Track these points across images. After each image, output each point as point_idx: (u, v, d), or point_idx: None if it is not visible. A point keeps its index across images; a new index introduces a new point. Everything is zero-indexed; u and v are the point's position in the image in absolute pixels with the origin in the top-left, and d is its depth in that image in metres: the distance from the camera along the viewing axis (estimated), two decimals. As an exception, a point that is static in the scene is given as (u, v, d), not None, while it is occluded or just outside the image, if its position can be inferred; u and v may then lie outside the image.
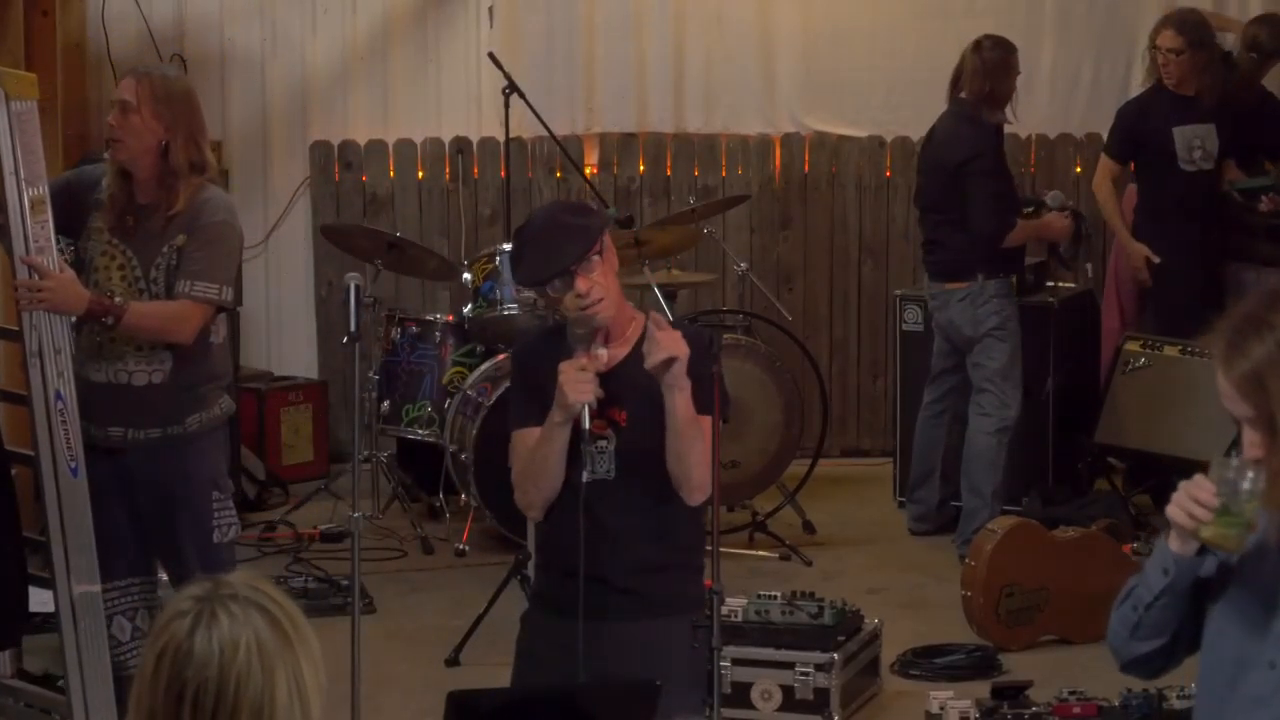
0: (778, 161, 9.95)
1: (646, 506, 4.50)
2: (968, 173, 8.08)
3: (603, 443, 4.45)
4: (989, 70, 8.08)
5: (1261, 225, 8.93)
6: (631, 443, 4.47)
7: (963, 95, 8.16)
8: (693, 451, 4.41)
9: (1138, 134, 8.67)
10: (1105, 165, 8.80)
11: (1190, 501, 3.13)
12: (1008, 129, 8.37)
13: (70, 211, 5.48)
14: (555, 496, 4.51)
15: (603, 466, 4.46)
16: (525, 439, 4.54)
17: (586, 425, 4.39)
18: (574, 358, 4.42)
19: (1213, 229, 8.72)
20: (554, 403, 4.40)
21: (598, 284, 4.45)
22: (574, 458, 4.45)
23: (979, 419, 8.11)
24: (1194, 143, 8.60)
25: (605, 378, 4.45)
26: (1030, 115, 9.54)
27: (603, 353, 4.45)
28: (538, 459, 4.47)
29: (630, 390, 4.47)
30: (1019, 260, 8.30)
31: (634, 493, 4.48)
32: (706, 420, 4.43)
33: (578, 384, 4.36)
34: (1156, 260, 8.57)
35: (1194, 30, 8.60)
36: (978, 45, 8.18)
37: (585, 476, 4.42)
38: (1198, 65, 8.55)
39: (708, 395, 4.44)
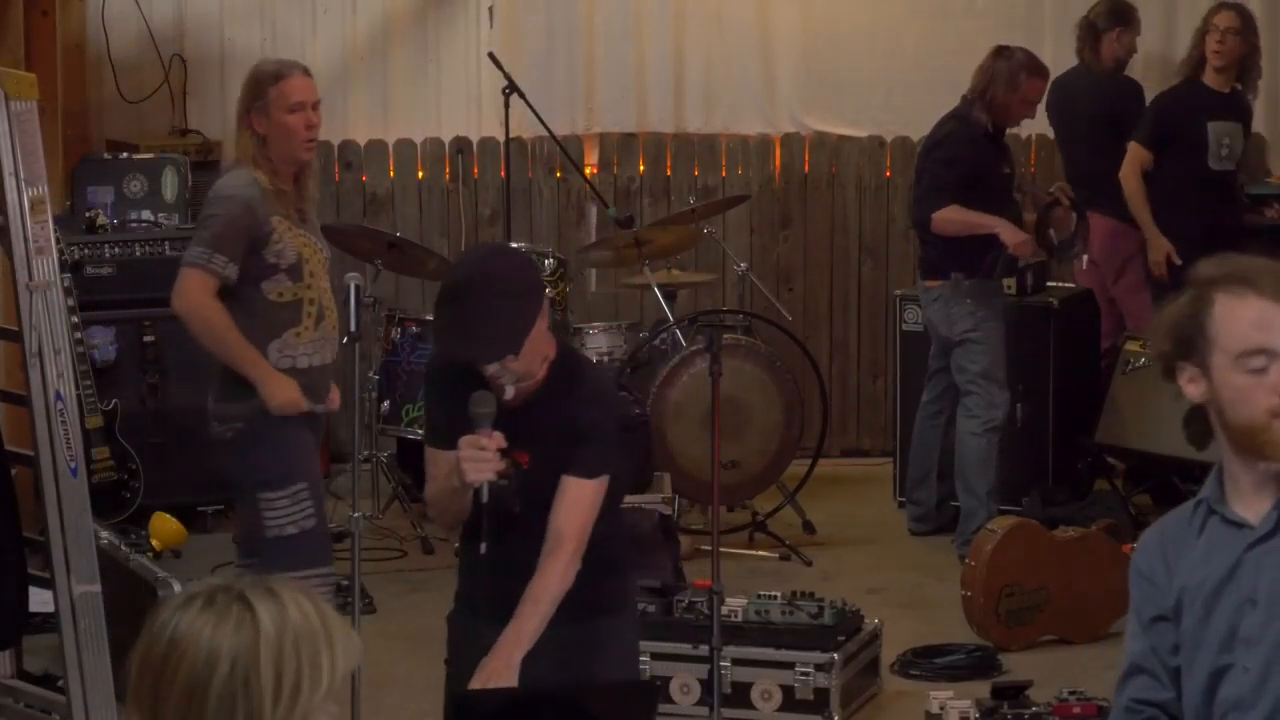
0: (778, 161, 9.95)
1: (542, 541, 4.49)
2: (926, 162, 8.11)
3: (503, 482, 4.38)
4: (993, 75, 8.03)
5: (1269, 230, 8.97)
6: (534, 483, 4.44)
7: (971, 89, 8.13)
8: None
9: (1173, 125, 8.72)
10: (1137, 154, 8.76)
11: None
12: (1007, 133, 8.34)
13: (252, 230, 5.92)
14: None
15: (507, 504, 4.41)
16: (437, 459, 4.53)
17: (484, 499, 4.34)
18: (474, 433, 4.32)
19: (1227, 229, 8.75)
20: (453, 469, 4.35)
21: (510, 370, 4.37)
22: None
23: (966, 420, 8.10)
24: (1224, 140, 8.68)
25: (511, 415, 4.39)
26: (1030, 115, 9.56)
27: (499, 435, 4.33)
28: (444, 502, 4.51)
29: (535, 430, 4.43)
30: (1003, 261, 8.14)
31: (536, 523, 4.44)
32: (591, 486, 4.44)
33: (476, 464, 4.30)
34: (1179, 262, 8.54)
35: (1249, 18, 8.85)
36: (999, 51, 8.11)
37: (485, 524, 4.37)
38: (1247, 50, 8.74)
39: (596, 455, 4.44)
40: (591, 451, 4.44)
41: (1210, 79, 8.77)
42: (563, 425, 4.42)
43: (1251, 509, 3.28)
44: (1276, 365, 3.21)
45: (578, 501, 4.43)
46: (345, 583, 6.74)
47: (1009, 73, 8.00)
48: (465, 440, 4.33)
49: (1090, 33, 9.10)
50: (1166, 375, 3.33)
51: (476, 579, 4.56)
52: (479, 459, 4.30)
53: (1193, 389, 3.28)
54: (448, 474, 4.41)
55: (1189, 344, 3.27)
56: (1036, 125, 9.63)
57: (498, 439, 4.32)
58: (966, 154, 8.02)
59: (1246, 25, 8.81)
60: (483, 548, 4.36)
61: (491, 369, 4.37)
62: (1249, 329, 3.21)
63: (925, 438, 8.48)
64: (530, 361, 4.40)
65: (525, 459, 4.42)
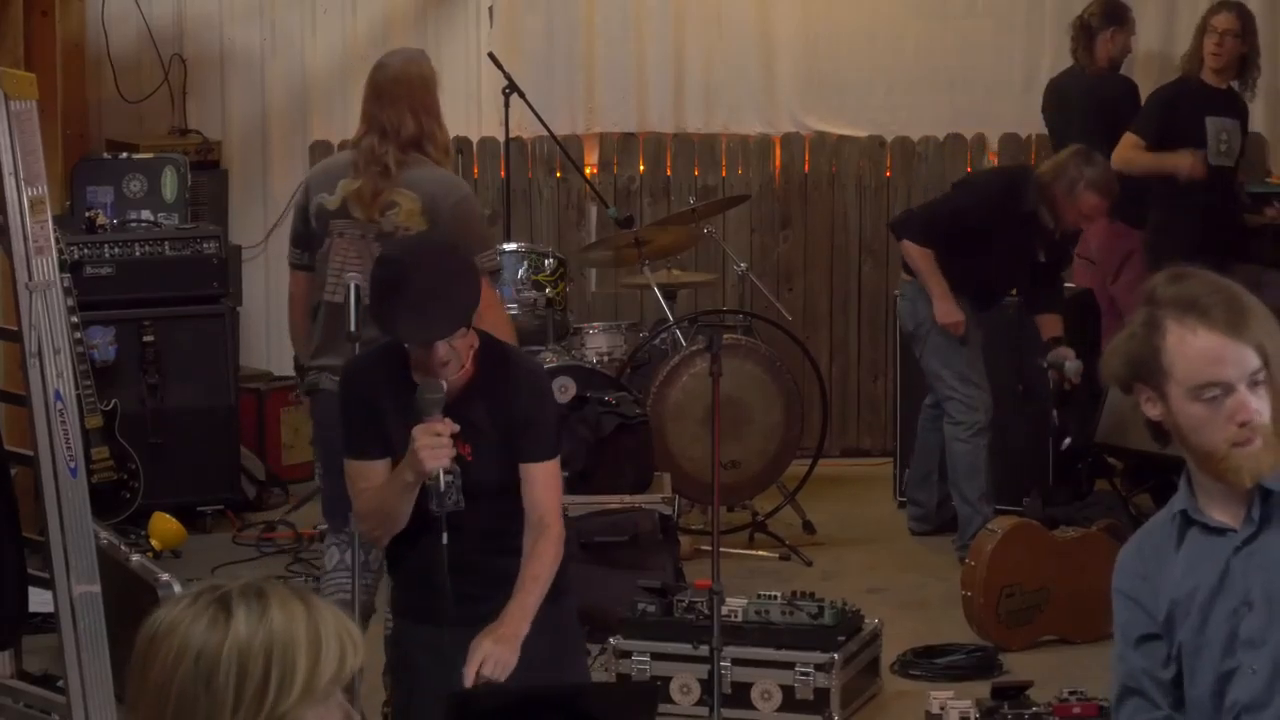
0: (778, 161, 9.94)
1: (496, 525, 4.54)
2: (952, 189, 8.08)
3: (449, 478, 4.41)
4: (1061, 172, 7.84)
5: (1269, 228, 8.98)
6: (478, 475, 4.47)
7: (1040, 170, 7.99)
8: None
9: (1172, 120, 8.73)
10: (1132, 141, 8.76)
11: None
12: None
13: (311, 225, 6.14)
14: None
15: (451, 499, 4.43)
16: (365, 472, 4.54)
17: (441, 487, 4.37)
18: (425, 421, 4.36)
19: (1225, 226, 8.78)
20: (405, 464, 4.37)
21: (456, 352, 4.42)
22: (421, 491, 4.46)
23: (950, 428, 8.07)
24: (1221, 135, 8.70)
25: (447, 409, 4.42)
26: (1030, 115, 9.55)
27: (450, 421, 4.38)
28: (388, 507, 4.49)
29: (472, 420, 4.46)
30: (970, 285, 8.05)
31: (482, 516, 4.49)
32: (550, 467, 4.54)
33: (434, 450, 4.33)
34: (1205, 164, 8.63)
35: (1249, 19, 8.86)
36: (1079, 153, 7.91)
37: (435, 511, 4.40)
38: (1246, 51, 8.77)
39: (548, 435, 4.56)
40: (543, 434, 4.56)
41: (1208, 77, 8.79)
42: (503, 414, 4.49)
43: (1229, 513, 3.28)
44: (1232, 396, 3.20)
45: (548, 483, 4.54)
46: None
47: (1071, 180, 7.82)
48: (420, 429, 4.35)
49: (1084, 33, 9.10)
50: (1125, 391, 3.33)
51: (426, 582, 4.53)
52: (436, 445, 4.33)
53: (1151, 409, 3.29)
54: (388, 480, 4.45)
55: (1144, 369, 3.27)
56: (1037, 125, 9.64)
57: (450, 424, 4.36)
58: (984, 220, 7.94)
59: (1246, 27, 8.82)
60: (444, 538, 4.39)
61: (441, 351, 4.38)
62: (1201, 364, 3.21)
63: (926, 438, 8.47)
64: (467, 347, 4.46)
65: (468, 450, 4.45)
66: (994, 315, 8.26)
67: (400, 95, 5.99)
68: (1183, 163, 8.61)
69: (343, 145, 9.68)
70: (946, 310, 7.93)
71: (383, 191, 5.93)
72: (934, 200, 8.28)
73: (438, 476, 4.37)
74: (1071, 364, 7.98)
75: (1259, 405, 3.21)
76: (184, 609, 2.45)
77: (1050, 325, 8.13)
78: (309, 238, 6.19)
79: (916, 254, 7.94)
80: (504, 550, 4.55)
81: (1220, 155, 8.78)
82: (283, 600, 2.46)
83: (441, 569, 4.41)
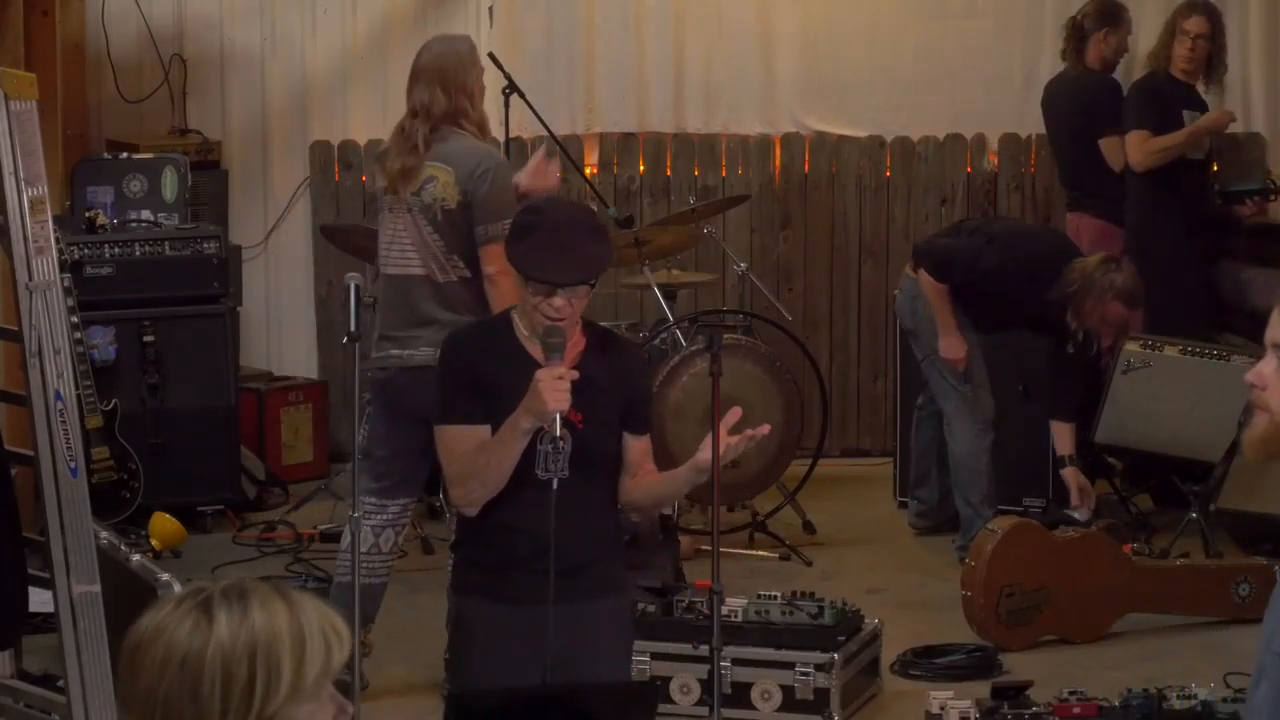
0: (778, 161, 9.95)
1: (592, 505, 4.58)
2: (977, 247, 7.96)
3: (560, 443, 4.46)
4: (1089, 281, 7.70)
5: (1245, 225, 8.99)
6: (586, 444, 4.51)
7: (1069, 274, 7.79)
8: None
9: (1159, 110, 8.76)
10: (1142, 137, 8.76)
11: None
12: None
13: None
14: None
15: (556, 465, 4.47)
16: (463, 436, 4.55)
17: (557, 432, 4.41)
18: (548, 365, 4.42)
19: (1205, 221, 8.82)
20: (523, 408, 4.40)
21: (574, 309, 4.53)
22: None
23: (952, 430, 8.06)
24: None
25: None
26: (1030, 115, 9.55)
27: (571, 370, 4.46)
28: (494, 461, 4.49)
29: (583, 392, 4.49)
30: (973, 299, 8.00)
31: (582, 491, 4.52)
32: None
33: (557, 392, 4.37)
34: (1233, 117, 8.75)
35: (1218, 19, 8.92)
36: (1108, 260, 7.80)
37: (542, 476, 4.45)
38: (1214, 51, 8.82)
39: (651, 410, 4.79)
40: (649, 408, 4.85)
41: (1177, 74, 8.84)
42: (617, 388, 4.57)
43: None
44: None
45: (649, 453, 4.70)
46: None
47: (1100, 291, 7.70)
48: (543, 371, 4.40)
49: (1077, 33, 9.10)
50: None
51: (510, 555, 4.54)
52: (558, 387, 4.37)
53: None
54: (500, 431, 4.45)
55: None
56: (1036, 126, 9.64)
57: (571, 371, 4.43)
58: (1001, 289, 7.87)
59: (1215, 28, 8.88)
60: (554, 483, 4.42)
61: (559, 302, 4.45)
62: None
63: (923, 436, 8.46)
64: (580, 312, 4.58)
65: (579, 419, 4.48)
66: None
67: (432, 75, 6.48)
68: (1212, 120, 8.66)
69: (343, 145, 9.74)
70: (951, 345, 7.94)
71: (413, 168, 6.42)
72: (961, 242, 8.07)
73: (555, 421, 4.39)
74: (1083, 515, 7.78)
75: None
76: (168, 614, 2.46)
77: (1061, 437, 7.96)
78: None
79: (930, 287, 7.94)
80: (592, 533, 4.58)
81: (1195, 149, 8.82)
82: (264, 599, 2.47)
83: (545, 534, 4.41)
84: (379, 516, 6.57)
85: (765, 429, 4.58)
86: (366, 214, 9.65)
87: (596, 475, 4.56)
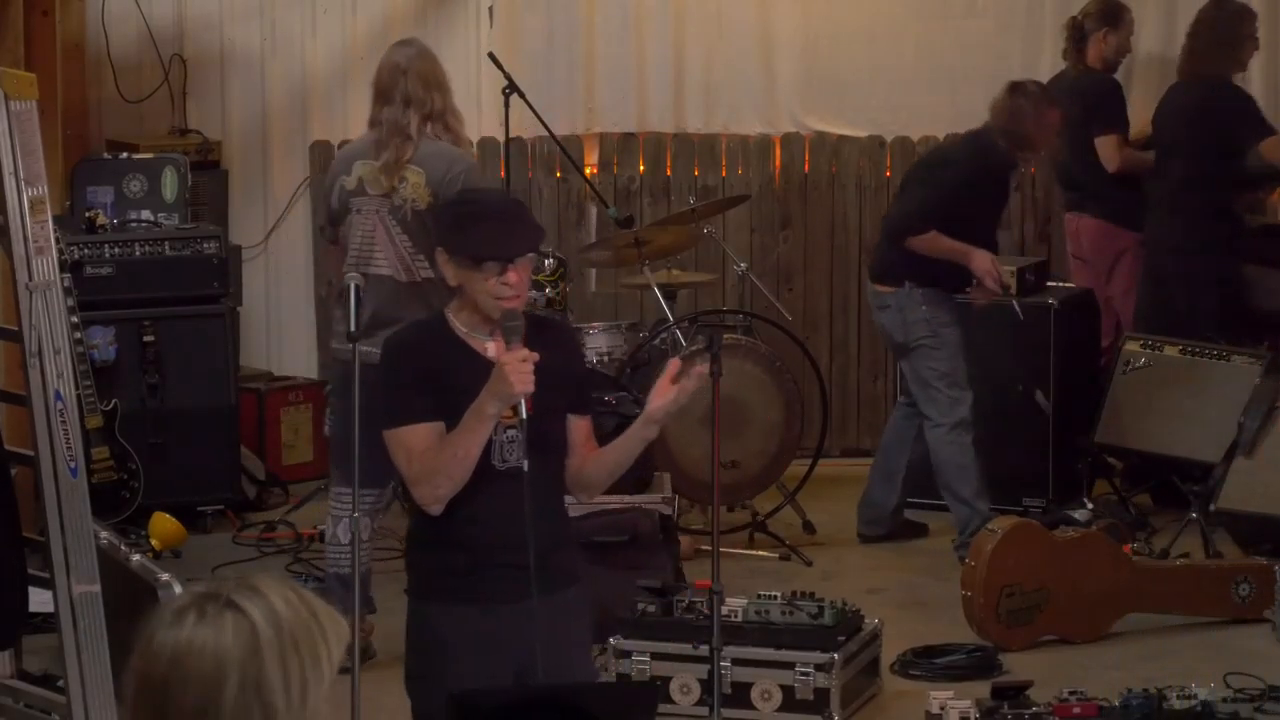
0: (778, 161, 9.94)
1: (550, 490, 4.62)
2: (925, 174, 8.06)
3: (512, 432, 4.49)
4: (1017, 110, 7.93)
5: (1246, 225, 9.00)
6: (539, 431, 4.52)
7: (994, 123, 8.00)
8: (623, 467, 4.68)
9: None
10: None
11: None
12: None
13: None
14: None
15: (513, 455, 4.50)
16: (420, 435, 4.53)
17: (523, 415, 4.42)
18: (509, 349, 4.45)
19: (1217, 224, 8.82)
20: (488, 393, 4.40)
21: (525, 281, 4.60)
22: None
23: (933, 430, 8.04)
24: None
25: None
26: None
27: (531, 352, 4.46)
28: (461, 452, 4.47)
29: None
30: (954, 277, 8.02)
31: (539, 477, 4.53)
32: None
33: (522, 374, 4.39)
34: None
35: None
36: (1016, 87, 8.04)
37: (500, 466, 4.49)
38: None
39: (589, 389, 4.87)
40: (587, 387, 4.91)
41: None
42: (560, 370, 4.58)
43: None
44: None
45: (591, 434, 4.72)
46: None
47: (1034, 107, 7.91)
48: (506, 355, 4.42)
49: (1077, 33, 9.10)
50: None
51: (473, 552, 4.53)
52: (523, 369, 4.39)
53: None
54: (463, 422, 4.44)
55: None
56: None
57: (531, 354, 4.43)
58: (969, 187, 7.96)
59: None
60: (525, 465, 4.45)
61: (513, 276, 4.48)
62: None
63: (900, 433, 8.37)
64: (527, 283, 4.63)
65: (530, 405, 4.47)
66: (994, 315, 8.26)
67: (415, 74, 6.66)
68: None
69: (344, 143, 9.73)
70: (982, 258, 7.90)
71: (405, 159, 6.59)
72: (915, 195, 8.09)
73: (520, 405, 4.40)
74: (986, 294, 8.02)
75: None
76: (195, 626, 2.39)
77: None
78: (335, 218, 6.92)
79: (925, 243, 7.90)
80: (551, 517, 4.59)
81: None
82: (277, 589, 2.44)
83: (514, 526, 4.42)
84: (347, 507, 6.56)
85: (702, 369, 4.62)
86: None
87: (550, 460, 4.59)
